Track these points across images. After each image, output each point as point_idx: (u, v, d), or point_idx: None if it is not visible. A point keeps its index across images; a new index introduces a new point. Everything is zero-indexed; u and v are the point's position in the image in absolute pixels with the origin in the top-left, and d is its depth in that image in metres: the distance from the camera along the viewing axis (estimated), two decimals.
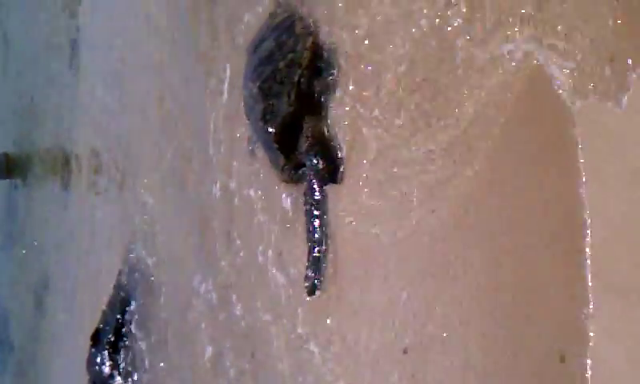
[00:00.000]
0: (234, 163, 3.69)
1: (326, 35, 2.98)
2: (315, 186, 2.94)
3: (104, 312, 5.00)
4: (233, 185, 3.70)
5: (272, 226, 3.35)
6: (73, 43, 6.30)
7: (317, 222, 2.97)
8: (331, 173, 2.89)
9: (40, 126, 7.13)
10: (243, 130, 3.54)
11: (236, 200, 3.67)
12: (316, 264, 2.95)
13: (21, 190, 7.76)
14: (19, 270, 7.57)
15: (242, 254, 3.63)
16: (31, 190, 7.47)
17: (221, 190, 3.82)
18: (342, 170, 2.87)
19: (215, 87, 3.86)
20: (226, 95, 3.75)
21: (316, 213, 2.97)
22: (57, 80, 6.64)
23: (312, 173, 2.94)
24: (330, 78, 2.93)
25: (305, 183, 3.04)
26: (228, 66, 3.71)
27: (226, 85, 3.75)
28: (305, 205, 3.04)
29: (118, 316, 4.82)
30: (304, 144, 2.98)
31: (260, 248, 3.43)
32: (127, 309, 4.79)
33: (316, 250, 2.95)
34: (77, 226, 6.04)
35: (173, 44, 4.47)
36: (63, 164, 6.38)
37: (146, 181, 4.79)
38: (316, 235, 2.96)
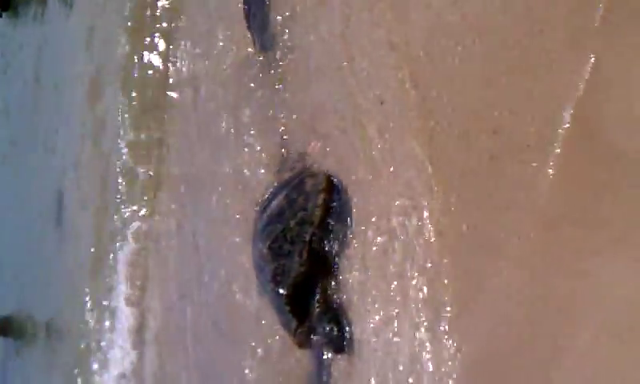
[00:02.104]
0: None
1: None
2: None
3: None
4: None
5: None
6: None
7: None
8: (343, 341, 2.68)
9: None
10: None
11: None
12: None
13: None
14: None
15: None
16: None
17: None
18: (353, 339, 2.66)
19: None
20: None
21: None
22: None
23: (324, 340, 2.72)
24: (343, 236, 2.80)
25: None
26: None
27: None
28: None
29: None
30: (316, 307, 2.80)
31: None
32: None
33: None
34: None
35: None
36: None
37: None
38: None
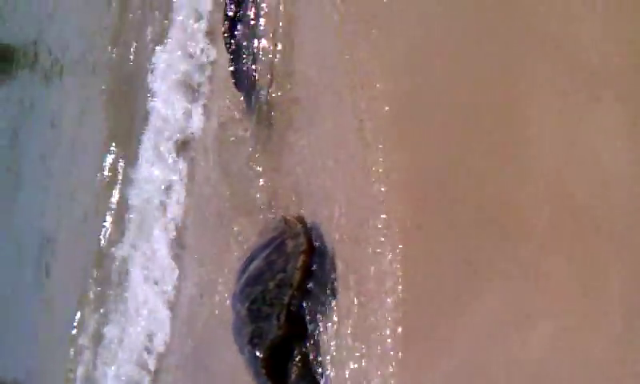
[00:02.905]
0: None
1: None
2: None
3: None
4: None
5: None
6: None
7: None
8: None
9: None
10: None
11: None
12: None
13: None
14: None
15: None
16: None
17: None
18: None
19: None
20: None
21: None
22: None
23: None
24: (324, 300, 2.78)
25: None
26: None
27: None
28: None
29: None
30: (293, 371, 2.75)
31: None
32: None
33: None
34: None
35: None
36: None
37: None
38: None
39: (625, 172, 1.96)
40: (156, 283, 4.74)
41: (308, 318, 2.80)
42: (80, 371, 5.83)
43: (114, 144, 5.90)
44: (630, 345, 1.87)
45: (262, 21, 3.68)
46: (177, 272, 4.50)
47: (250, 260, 3.08)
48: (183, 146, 4.72)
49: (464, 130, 2.36)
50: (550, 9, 2.16)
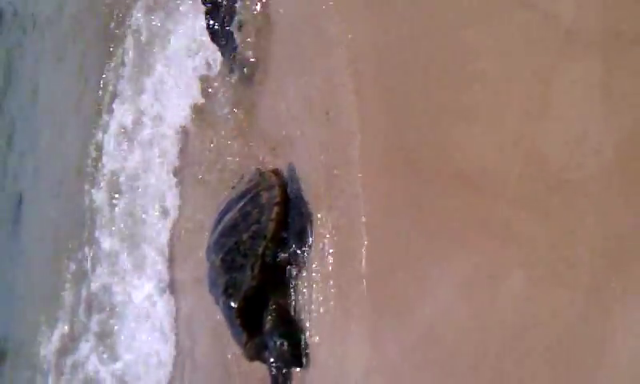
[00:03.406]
0: None
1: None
2: (277, 371, 2.69)
3: None
4: None
5: None
6: None
7: None
8: (296, 356, 2.66)
9: None
10: None
11: None
12: None
13: None
14: None
15: None
16: None
17: None
18: (307, 353, 2.64)
19: None
20: None
21: None
22: None
23: (275, 355, 2.70)
24: (299, 250, 2.79)
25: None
26: None
27: None
28: None
29: None
30: (267, 323, 2.78)
31: None
32: None
33: None
34: None
35: None
36: None
37: None
38: None
39: (595, 130, 1.97)
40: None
41: (286, 269, 2.82)
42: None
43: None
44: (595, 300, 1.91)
45: None
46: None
47: (225, 211, 3.08)
48: None
49: (435, 86, 2.34)
50: None
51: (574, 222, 1.98)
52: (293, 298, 2.84)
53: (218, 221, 3.10)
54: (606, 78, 1.96)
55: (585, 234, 1.96)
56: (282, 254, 2.85)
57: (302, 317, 2.75)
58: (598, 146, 1.95)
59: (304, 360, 2.65)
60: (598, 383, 1.88)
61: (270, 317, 2.81)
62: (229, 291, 2.88)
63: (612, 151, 1.92)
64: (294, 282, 2.84)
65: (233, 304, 2.87)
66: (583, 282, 1.94)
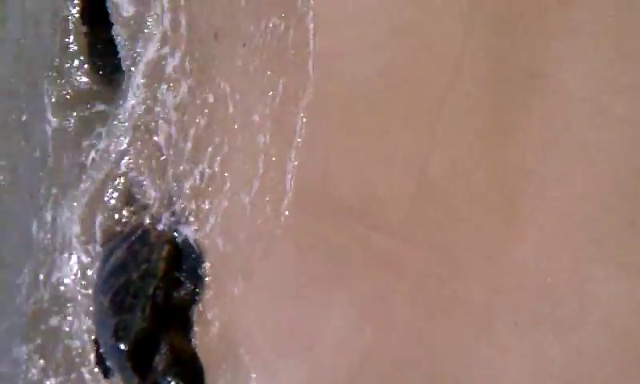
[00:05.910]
0: None
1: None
2: None
3: None
4: None
5: None
6: None
7: None
8: None
9: None
10: None
11: None
12: None
13: None
14: None
15: None
16: None
17: None
18: None
19: None
20: None
21: None
22: None
23: None
24: (193, 288, 2.74)
25: None
26: None
27: None
28: None
29: None
30: (160, 363, 2.70)
31: None
32: None
33: None
34: None
35: None
36: None
37: None
38: None
39: (480, 154, 2.08)
40: None
41: (180, 307, 2.75)
42: None
43: None
44: None
45: None
46: None
47: (112, 249, 2.96)
48: None
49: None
50: None
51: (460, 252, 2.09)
52: (192, 337, 2.77)
53: (105, 259, 2.97)
54: (489, 121, 2.08)
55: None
56: (176, 294, 2.78)
57: (195, 359, 2.70)
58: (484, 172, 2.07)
59: None
60: None
61: (162, 359, 2.73)
62: (119, 334, 2.77)
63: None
64: (187, 322, 2.78)
65: (122, 347, 2.77)
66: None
